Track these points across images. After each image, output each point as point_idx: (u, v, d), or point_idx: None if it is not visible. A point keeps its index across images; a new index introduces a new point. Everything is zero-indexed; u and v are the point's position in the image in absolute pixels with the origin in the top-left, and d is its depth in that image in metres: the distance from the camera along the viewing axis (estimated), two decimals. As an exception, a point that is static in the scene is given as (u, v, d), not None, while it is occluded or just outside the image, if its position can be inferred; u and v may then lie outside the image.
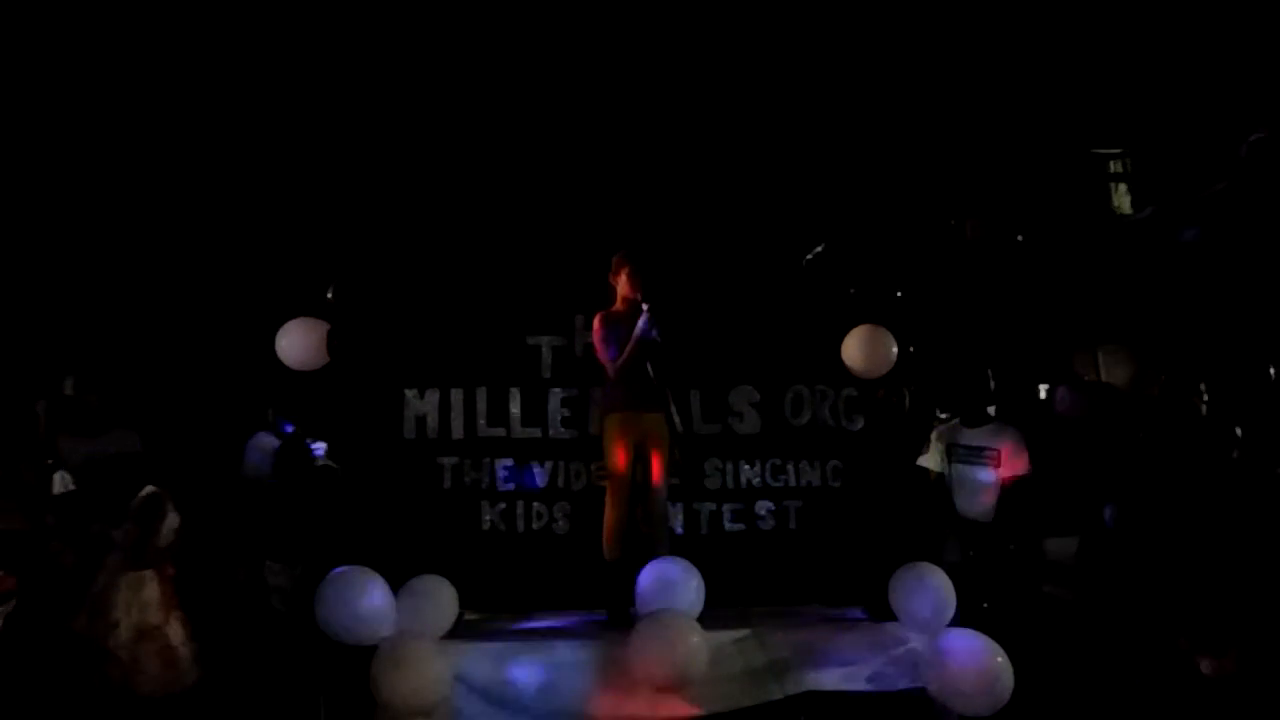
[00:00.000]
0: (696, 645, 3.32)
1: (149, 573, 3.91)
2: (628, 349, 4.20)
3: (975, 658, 3.52)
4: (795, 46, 7.54)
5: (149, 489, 4.01)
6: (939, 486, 4.94)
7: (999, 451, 4.75)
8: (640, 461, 4.25)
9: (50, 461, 4.57)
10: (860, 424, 4.91)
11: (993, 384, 4.98)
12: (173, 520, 4.01)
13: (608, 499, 4.22)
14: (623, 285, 4.37)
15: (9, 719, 3.73)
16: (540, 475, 4.68)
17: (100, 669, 3.75)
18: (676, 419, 4.64)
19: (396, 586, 3.64)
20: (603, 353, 4.29)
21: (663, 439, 4.28)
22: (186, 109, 7.28)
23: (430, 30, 7.05)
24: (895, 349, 4.61)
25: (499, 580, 4.40)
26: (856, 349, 4.59)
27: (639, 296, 4.24)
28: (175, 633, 3.93)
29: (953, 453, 4.90)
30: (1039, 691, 3.67)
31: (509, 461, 4.70)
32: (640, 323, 4.18)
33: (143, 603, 3.86)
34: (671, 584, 3.64)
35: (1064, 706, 3.94)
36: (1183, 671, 3.96)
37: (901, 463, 5.05)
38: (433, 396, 4.77)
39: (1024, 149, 9.08)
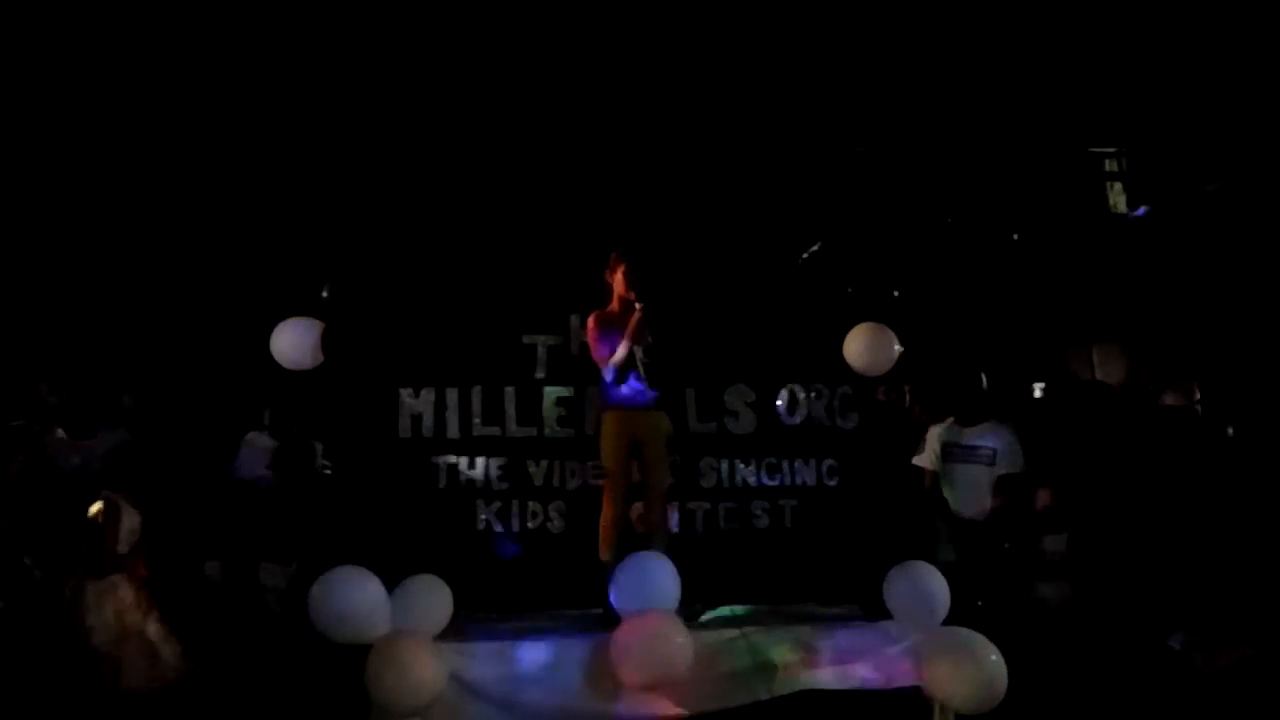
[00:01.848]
0: (680, 644, 3.31)
1: (118, 577, 3.91)
2: (623, 347, 4.20)
3: (970, 656, 3.53)
4: (790, 44, 7.53)
5: (101, 498, 4.00)
6: (934, 486, 4.96)
7: (994, 450, 4.77)
8: (636, 460, 4.25)
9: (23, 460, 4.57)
10: (855, 423, 4.91)
11: (986, 383, 4.99)
12: (130, 521, 4.00)
13: (604, 498, 4.22)
14: (618, 283, 4.35)
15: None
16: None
17: (90, 669, 3.76)
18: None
19: (391, 586, 3.63)
20: (597, 351, 4.28)
21: (658, 438, 4.28)
22: (181, 107, 7.26)
23: (425, 29, 7.03)
24: (897, 347, 4.61)
25: (494, 579, 4.40)
26: (858, 346, 4.58)
27: (634, 295, 4.23)
28: (155, 631, 3.94)
29: (948, 452, 4.92)
30: (1033, 690, 3.68)
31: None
32: (633, 320, 4.18)
33: (117, 606, 3.86)
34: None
35: (1058, 705, 3.95)
36: (1176, 669, 3.98)
37: (897, 461, 5.06)
38: (428, 396, 4.77)
39: (1019, 147, 9.08)
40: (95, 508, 3.98)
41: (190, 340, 6.95)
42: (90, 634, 3.77)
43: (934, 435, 5.01)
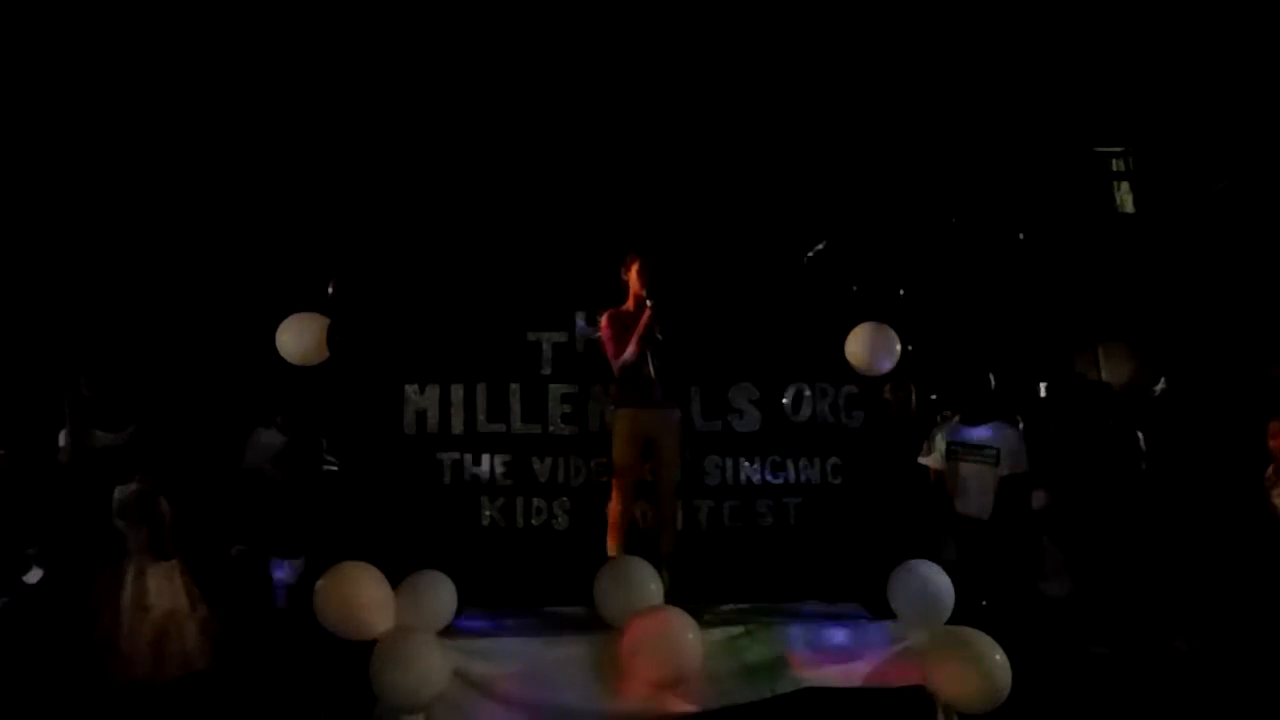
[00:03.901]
0: (691, 641, 3.32)
1: (177, 560, 3.98)
2: (633, 345, 4.20)
3: (974, 655, 3.52)
4: (799, 44, 7.52)
5: (136, 485, 4.04)
6: (938, 485, 4.95)
7: (998, 450, 4.76)
8: (648, 458, 4.26)
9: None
10: (860, 421, 4.91)
11: (993, 382, 4.98)
12: (165, 507, 4.07)
13: (613, 495, 4.23)
14: (633, 281, 4.37)
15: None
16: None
17: (126, 654, 3.79)
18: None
19: (396, 582, 3.64)
20: (610, 349, 4.29)
21: (671, 436, 4.28)
22: (189, 106, 7.28)
23: (432, 26, 7.04)
24: (899, 346, 4.60)
25: (498, 575, 4.40)
26: (860, 346, 4.58)
27: (645, 293, 4.24)
28: (201, 615, 4.01)
29: (953, 451, 4.91)
30: (1036, 689, 3.67)
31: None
32: (644, 319, 4.19)
33: (174, 589, 3.92)
34: None
35: (1061, 704, 3.95)
36: (1178, 669, 3.98)
37: (901, 460, 5.06)
38: (433, 392, 4.77)
39: (1026, 147, 9.07)
40: (134, 494, 4.02)
41: (199, 336, 6.97)
42: (148, 613, 3.82)
43: (939, 433, 5.01)
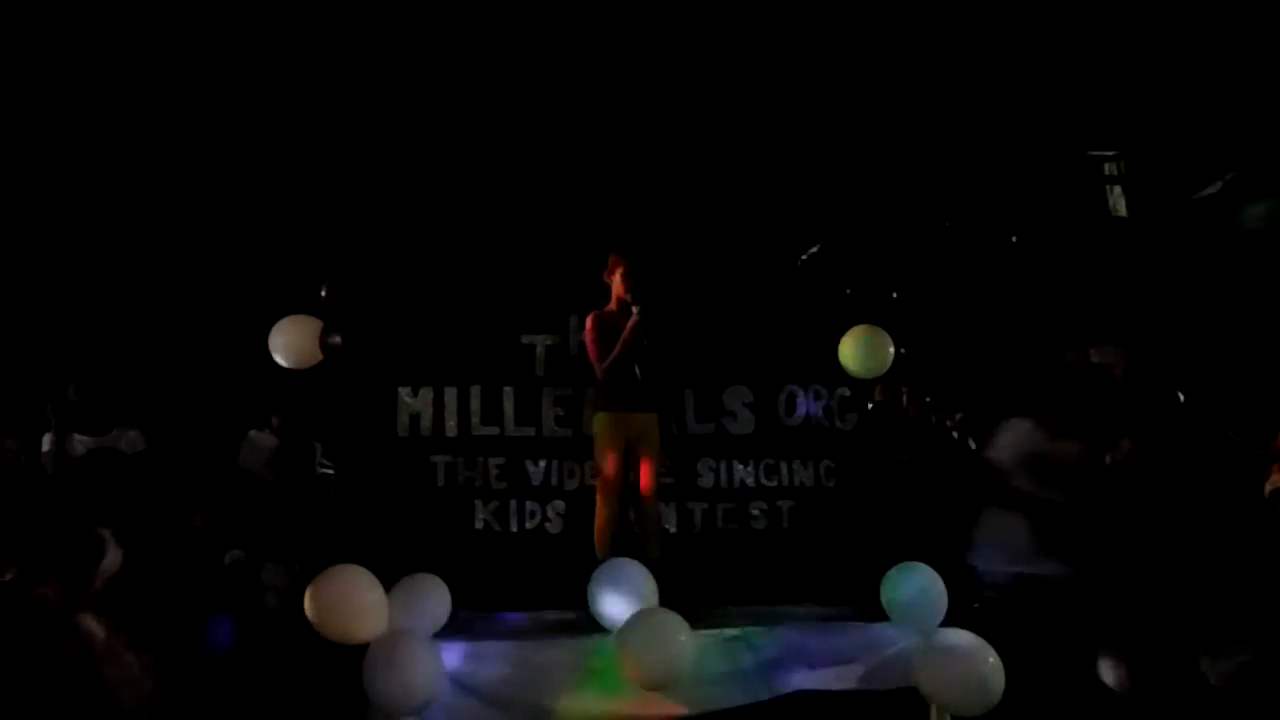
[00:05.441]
0: (684, 644, 3.32)
1: (87, 614, 3.85)
2: (617, 348, 4.20)
3: (967, 658, 3.53)
4: (791, 45, 7.53)
5: (92, 532, 3.94)
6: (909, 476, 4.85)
7: None
8: (631, 461, 4.25)
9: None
10: (853, 424, 4.92)
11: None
12: (113, 558, 3.93)
13: (598, 499, 4.23)
14: (616, 284, 4.36)
15: None
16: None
17: (79, 683, 3.74)
18: (673, 423, 4.66)
19: (389, 585, 3.63)
20: (593, 352, 4.28)
21: (654, 439, 4.28)
22: (183, 107, 7.26)
23: (424, 27, 7.04)
24: (892, 350, 4.60)
25: (492, 579, 4.40)
26: (853, 350, 4.57)
27: (630, 297, 4.23)
28: (124, 662, 3.89)
29: None
30: (1030, 692, 3.68)
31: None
32: (629, 323, 4.18)
33: (86, 635, 3.81)
34: None
35: (1055, 707, 3.95)
36: (1177, 672, 3.98)
37: (894, 462, 5.06)
38: (426, 395, 4.77)
39: (1019, 150, 9.09)
40: (81, 539, 3.92)
41: (192, 338, 6.95)
42: (69, 645, 3.74)
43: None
